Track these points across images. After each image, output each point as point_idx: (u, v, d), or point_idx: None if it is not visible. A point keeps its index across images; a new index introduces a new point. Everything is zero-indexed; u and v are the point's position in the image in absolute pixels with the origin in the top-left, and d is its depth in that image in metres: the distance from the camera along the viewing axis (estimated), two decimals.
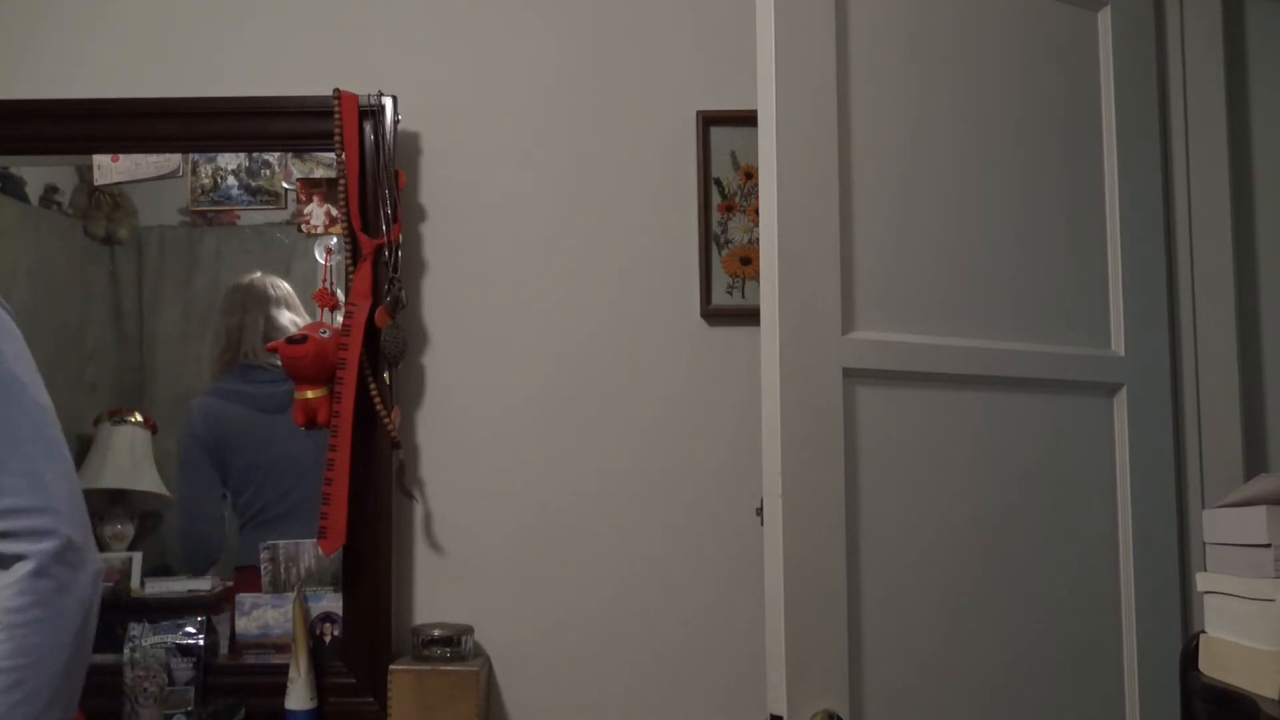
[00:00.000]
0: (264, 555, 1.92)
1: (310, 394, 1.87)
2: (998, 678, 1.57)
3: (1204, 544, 1.43)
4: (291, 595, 1.90)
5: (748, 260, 2.00)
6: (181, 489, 1.94)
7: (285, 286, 1.98)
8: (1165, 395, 1.78)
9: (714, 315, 2.00)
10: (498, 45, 2.06)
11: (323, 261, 1.97)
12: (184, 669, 1.84)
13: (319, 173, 1.99)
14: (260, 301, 1.96)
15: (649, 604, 1.97)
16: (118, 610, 1.88)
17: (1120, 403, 1.72)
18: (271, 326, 1.95)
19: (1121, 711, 1.68)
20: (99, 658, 1.88)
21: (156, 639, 1.85)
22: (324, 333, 1.88)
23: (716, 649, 1.96)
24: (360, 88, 1.97)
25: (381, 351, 1.91)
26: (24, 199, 1.99)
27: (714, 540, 1.97)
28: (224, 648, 1.90)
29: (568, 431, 2.00)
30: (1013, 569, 1.59)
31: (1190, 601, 1.77)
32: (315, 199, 1.99)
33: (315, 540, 1.89)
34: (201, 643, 1.85)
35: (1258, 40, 1.95)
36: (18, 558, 1.20)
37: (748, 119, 1.97)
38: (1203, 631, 1.40)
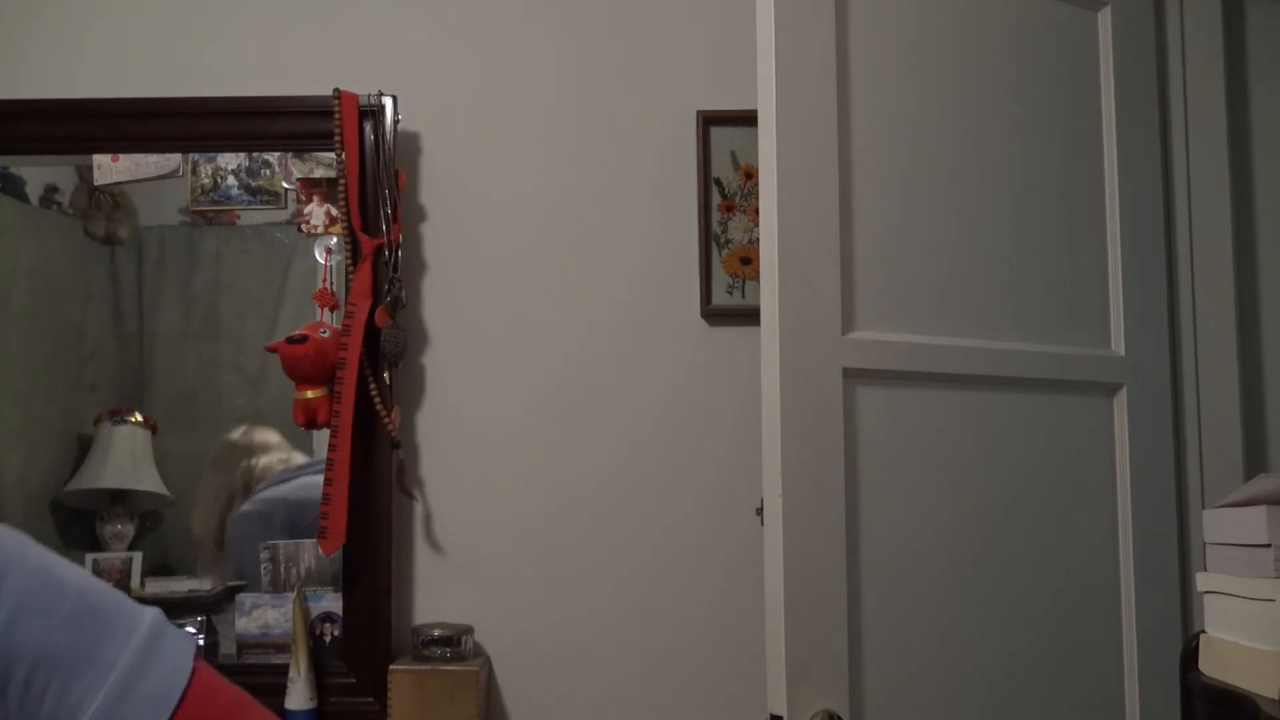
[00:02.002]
0: (264, 555, 1.92)
1: (310, 394, 1.87)
2: (998, 677, 1.57)
3: (1204, 544, 1.43)
4: (291, 595, 1.90)
5: (748, 260, 2.00)
6: None
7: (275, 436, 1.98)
8: (1165, 395, 1.78)
9: (714, 315, 2.00)
10: (498, 45, 2.06)
11: (323, 261, 1.97)
12: None
13: (319, 173, 1.99)
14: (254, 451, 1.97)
15: (649, 604, 1.97)
16: None
17: (1120, 403, 1.72)
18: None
19: (1121, 711, 1.68)
20: None
21: None
22: (324, 333, 1.88)
23: (716, 649, 1.96)
24: (360, 88, 1.97)
25: (381, 351, 1.91)
26: (24, 199, 1.99)
27: (714, 540, 1.97)
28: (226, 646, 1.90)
29: (568, 431, 2.00)
30: (1013, 569, 1.59)
31: (1190, 601, 1.77)
32: (315, 199, 1.99)
33: (315, 540, 1.89)
34: (201, 642, 1.85)
35: (1258, 40, 1.95)
36: None
37: (748, 119, 1.97)
38: (1203, 631, 1.40)
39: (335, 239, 1.97)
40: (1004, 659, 1.57)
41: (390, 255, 1.94)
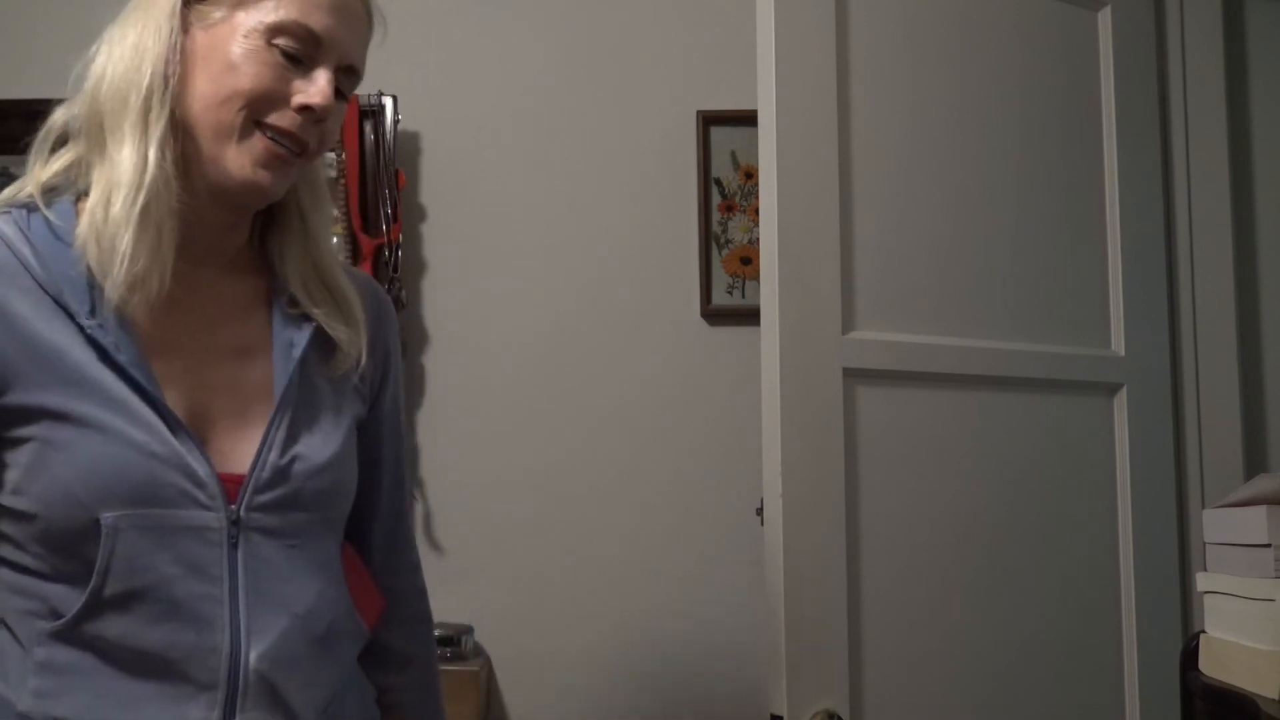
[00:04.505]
0: None
1: None
2: (998, 677, 1.57)
3: (1204, 544, 1.43)
4: None
5: (748, 260, 2.00)
6: None
7: None
8: (1165, 395, 1.78)
9: (714, 315, 2.00)
10: (498, 45, 2.06)
11: None
12: None
13: None
14: None
15: (649, 604, 1.97)
16: None
17: (1120, 403, 1.72)
18: None
19: (1121, 711, 1.68)
20: None
21: None
22: None
23: (716, 649, 1.96)
24: (360, 88, 1.97)
25: None
26: None
27: (714, 540, 1.97)
28: None
29: (567, 431, 2.00)
30: (1013, 569, 1.59)
31: (1190, 601, 1.77)
32: None
33: None
34: None
35: (1258, 40, 1.95)
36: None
37: (748, 119, 1.96)
38: (1203, 631, 1.40)
39: (335, 239, 1.97)
40: (1004, 658, 1.57)
41: (390, 255, 1.94)
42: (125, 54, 0.97)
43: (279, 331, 0.99)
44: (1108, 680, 1.67)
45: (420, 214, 2.03)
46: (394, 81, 2.02)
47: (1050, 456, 1.65)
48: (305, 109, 0.94)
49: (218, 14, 0.94)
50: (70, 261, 0.90)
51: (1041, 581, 1.62)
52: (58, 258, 0.90)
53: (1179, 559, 1.76)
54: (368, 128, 1.95)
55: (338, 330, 1.00)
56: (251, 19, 0.92)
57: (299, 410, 0.97)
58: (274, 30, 0.92)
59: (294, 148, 0.95)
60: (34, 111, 2.01)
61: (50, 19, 2.06)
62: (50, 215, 0.92)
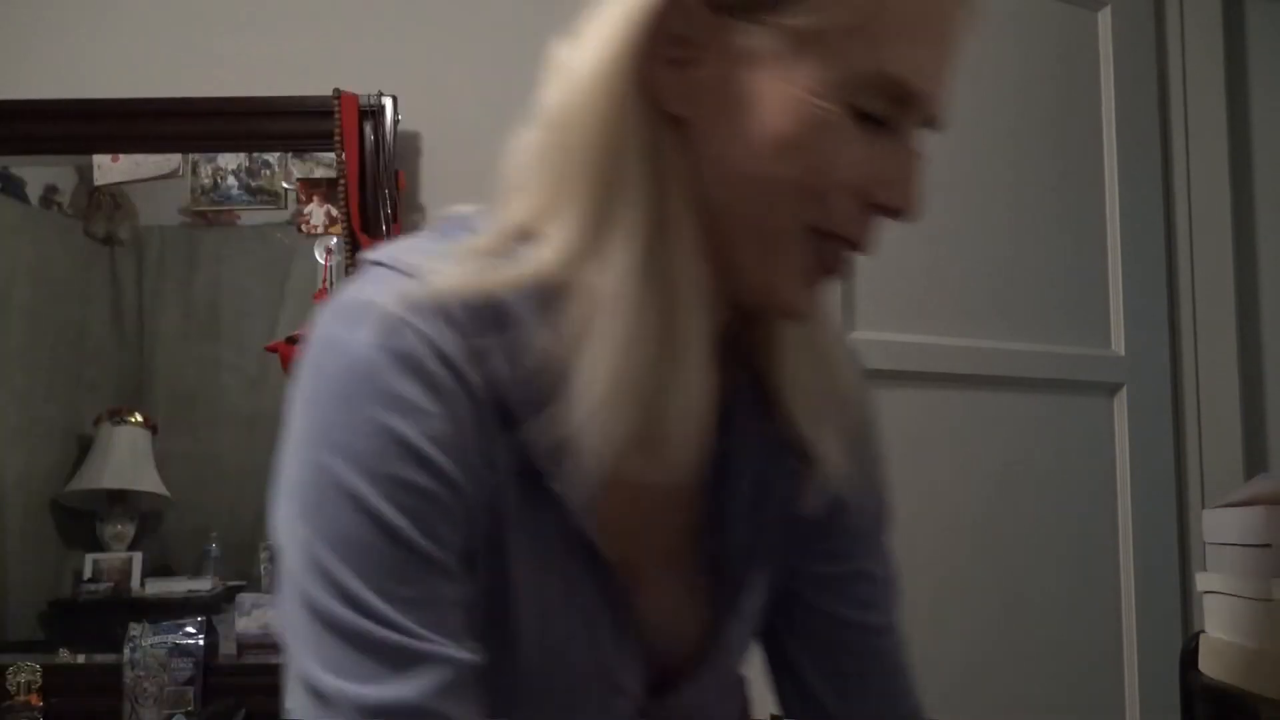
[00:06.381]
0: (264, 555, 1.92)
1: None
2: (998, 678, 1.57)
3: (1204, 544, 1.43)
4: None
5: None
6: None
7: None
8: (1165, 395, 1.78)
9: None
10: (499, 45, 2.06)
11: (323, 261, 1.97)
12: (184, 669, 1.84)
13: (319, 173, 1.99)
14: None
15: None
16: (118, 610, 1.88)
17: (1120, 403, 1.72)
18: None
19: (1121, 712, 1.68)
20: (99, 657, 1.88)
21: (156, 639, 1.84)
22: None
23: None
24: (360, 88, 1.97)
25: None
26: (24, 199, 1.99)
27: None
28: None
29: None
30: (1013, 568, 1.59)
31: (1190, 601, 1.77)
32: (315, 199, 1.99)
33: None
34: (201, 643, 1.85)
35: (1258, 40, 1.95)
36: None
37: None
38: (1203, 631, 1.40)
39: (335, 239, 1.97)
40: (1004, 659, 1.57)
41: None
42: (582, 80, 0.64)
43: (736, 457, 0.68)
44: (1108, 680, 1.67)
45: (420, 214, 2.03)
46: (394, 81, 2.02)
47: (1050, 456, 1.65)
48: (884, 210, 0.64)
49: (765, 43, 0.60)
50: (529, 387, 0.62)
51: (1041, 580, 1.62)
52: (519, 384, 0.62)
53: (1179, 559, 1.77)
54: (368, 128, 1.95)
55: (830, 460, 0.69)
56: (831, 69, 0.59)
57: (749, 578, 0.70)
58: (860, 84, 0.60)
59: (848, 253, 0.65)
60: (33, 111, 2.01)
61: (49, 19, 2.06)
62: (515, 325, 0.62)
